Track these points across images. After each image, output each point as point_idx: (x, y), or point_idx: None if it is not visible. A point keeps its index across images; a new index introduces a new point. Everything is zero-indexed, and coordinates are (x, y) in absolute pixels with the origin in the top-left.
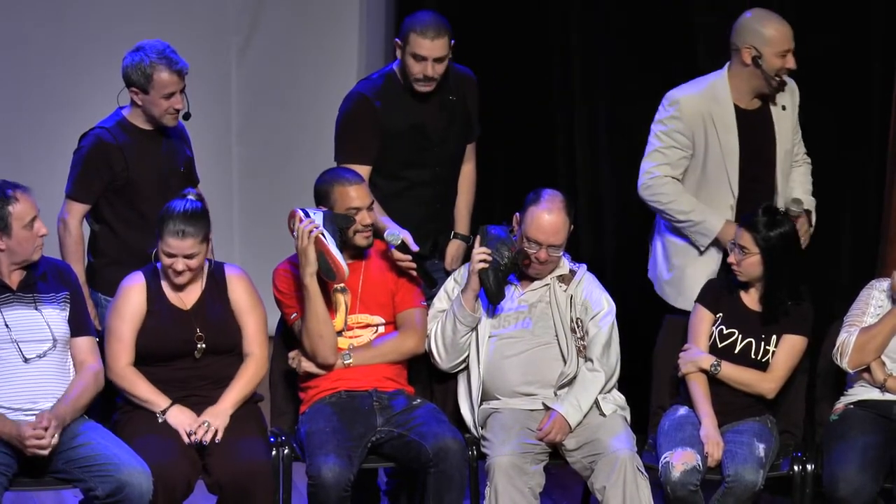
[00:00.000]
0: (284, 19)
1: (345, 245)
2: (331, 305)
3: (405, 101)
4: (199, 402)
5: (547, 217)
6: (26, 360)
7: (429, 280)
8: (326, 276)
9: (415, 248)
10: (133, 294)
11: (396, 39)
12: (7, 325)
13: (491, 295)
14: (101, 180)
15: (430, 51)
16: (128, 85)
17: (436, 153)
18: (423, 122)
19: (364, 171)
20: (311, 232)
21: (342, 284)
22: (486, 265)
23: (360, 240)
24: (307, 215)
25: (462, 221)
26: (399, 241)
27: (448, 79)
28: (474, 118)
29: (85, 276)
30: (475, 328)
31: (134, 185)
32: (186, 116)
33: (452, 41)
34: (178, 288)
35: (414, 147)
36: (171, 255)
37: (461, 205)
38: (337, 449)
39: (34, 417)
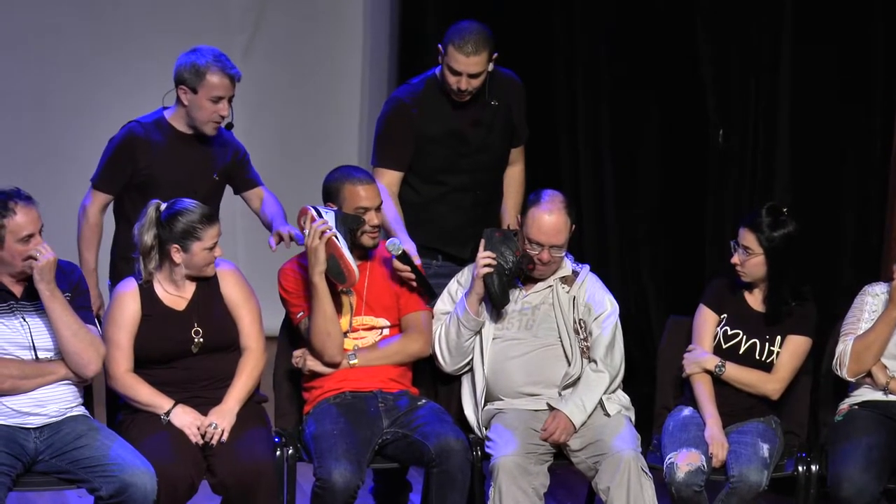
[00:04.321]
0: (288, 19)
1: (352, 246)
2: (336, 307)
3: (444, 107)
4: (202, 403)
5: (547, 218)
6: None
7: (429, 292)
8: (336, 278)
9: (417, 261)
10: (127, 300)
11: (439, 45)
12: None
13: (495, 300)
14: (123, 173)
15: (465, 66)
16: (178, 83)
17: (475, 159)
18: (462, 128)
19: (395, 177)
20: (323, 233)
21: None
22: (491, 269)
23: (367, 240)
24: (319, 214)
25: (508, 223)
26: (400, 251)
27: (490, 83)
28: (520, 122)
29: (109, 270)
30: (479, 331)
31: (155, 182)
32: (229, 126)
33: (495, 54)
34: (172, 289)
35: (452, 152)
36: (212, 248)
37: (508, 206)
38: (348, 454)
39: (38, 420)
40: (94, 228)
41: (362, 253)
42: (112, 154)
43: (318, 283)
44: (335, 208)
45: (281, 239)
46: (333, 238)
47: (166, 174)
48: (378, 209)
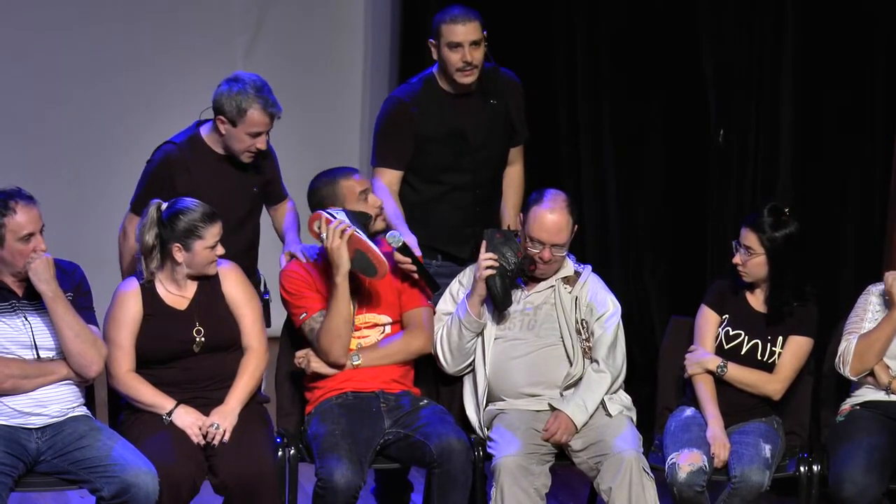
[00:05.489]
0: (290, 19)
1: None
2: None
3: (443, 106)
4: (204, 403)
5: (549, 216)
6: None
7: (431, 283)
8: (366, 272)
9: (418, 252)
10: (128, 300)
11: (430, 39)
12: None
13: (498, 302)
14: (163, 197)
15: (464, 35)
16: (217, 113)
17: (475, 157)
18: (462, 127)
19: (395, 176)
20: (343, 231)
21: None
22: (493, 271)
23: (380, 224)
24: (332, 217)
25: (508, 223)
26: (400, 243)
27: (489, 83)
28: (519, 121)
29: None
30: (481, 332)
31: None
32: (261, 154)
33: (485, 30)
34: (174, 289)
35: (452, 152)
36: (213, 246)
37: (508, 206)
38: (349, 454)
39: (39, 420)
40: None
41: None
42: (150, 180)
43: (340, 285)
44: (344, 209)
45: (292, 257)
46: (356, 233)
47: (206, 194)
48: (372, 190)
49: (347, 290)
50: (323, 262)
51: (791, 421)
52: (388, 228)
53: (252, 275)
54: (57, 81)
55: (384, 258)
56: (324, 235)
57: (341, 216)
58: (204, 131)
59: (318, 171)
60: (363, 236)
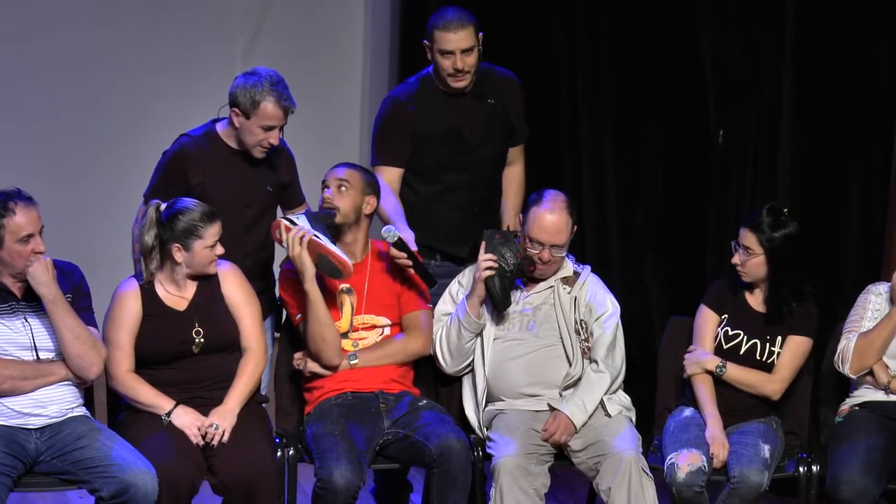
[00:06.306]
0: (290, 20)
1: (335, 240)
2: (336, 307)
3: (440, 105)
4: (203, 404)
5: (549, 217)
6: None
7: (428, 279)
8: (332, 275)
9: (413, 247)
10: (128, 300)
11: (424, 41)
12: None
13: (497, 302)
14: (175, 189)
15: (456, 43)
16: (231, 105)
17: (473, 156)
18: (459, 126)
19: (395, 174)
20: (302, 237)
21: (347, 285)
22: (492, 272)
23: (340, 218)
24: (293, 223)
25: (508, 224)
26: (395, 238)
27: (487, 82)
28: (518, 121)
29: None
30: (480, 333)
31: (207, 197)
32: (276, 152)
33: (480, 33)
34: (173, 289)
35: (450, 150)
36: (213, 246)
37: (508, 207)
38: (349, 454)
39: (39, 420)
40: None
41: (363, 245)
42: (163, 171)
43: (309, 290)
44: (305, 211)
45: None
46: (314, 238)
47: (219, 189)
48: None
49: (319, 295)
50: None
51: (790, 421)
52: (343, 211)
53: (266, 274)
54: (56, 81)
55: (347, 260)
56: (284, 245)
57: (301, 221)
58: (220, 127)
59: (317, 170)
60: (323, 240)
